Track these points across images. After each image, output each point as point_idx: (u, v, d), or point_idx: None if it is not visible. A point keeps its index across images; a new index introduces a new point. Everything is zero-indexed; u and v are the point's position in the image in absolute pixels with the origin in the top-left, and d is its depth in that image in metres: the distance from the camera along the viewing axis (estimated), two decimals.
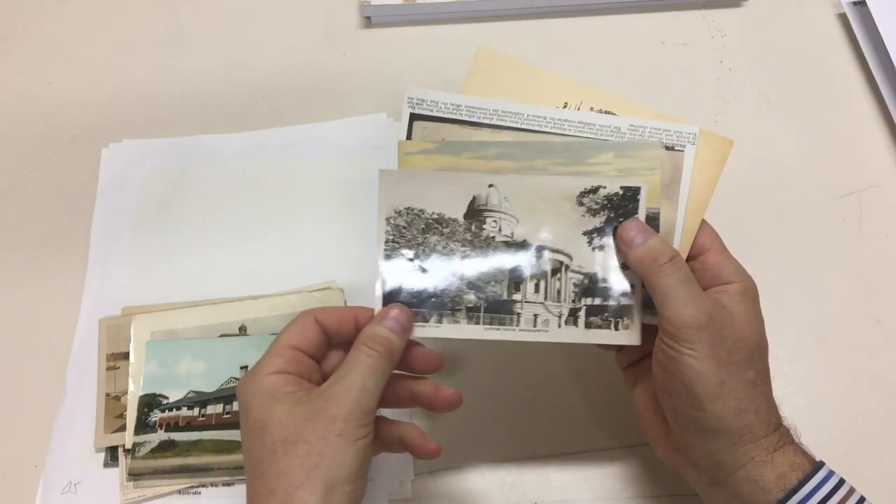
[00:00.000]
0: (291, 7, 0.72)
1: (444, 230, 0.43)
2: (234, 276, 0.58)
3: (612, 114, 0.45)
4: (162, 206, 0.61)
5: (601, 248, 0.43)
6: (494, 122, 0.45)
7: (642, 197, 0.43)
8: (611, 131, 0.44)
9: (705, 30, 0.70)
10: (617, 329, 0.43)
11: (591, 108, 0.46)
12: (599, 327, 0.43)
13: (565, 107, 0.46)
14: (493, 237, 0.43)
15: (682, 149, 0.44)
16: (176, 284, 0.58)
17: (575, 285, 0.43)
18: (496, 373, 0.54)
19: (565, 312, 0.43)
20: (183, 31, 0.71)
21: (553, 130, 0.45)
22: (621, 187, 0.43)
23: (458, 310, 0.43)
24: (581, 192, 0.43)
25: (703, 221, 0.45)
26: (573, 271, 0.43)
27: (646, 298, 0.43)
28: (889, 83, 0.64)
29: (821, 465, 0.40)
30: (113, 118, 0.66)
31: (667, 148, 0.44)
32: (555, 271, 0.43)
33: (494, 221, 0.43)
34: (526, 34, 0.70)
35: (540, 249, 0.43)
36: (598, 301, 0.43)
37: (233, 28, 0.71)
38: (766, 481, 0.39)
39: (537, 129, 0.45)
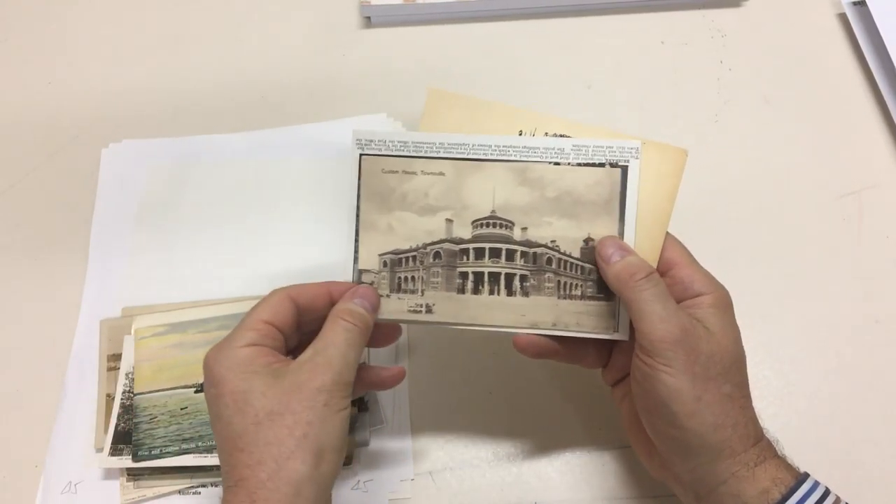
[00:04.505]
0: (291, 7, 0.72)
1: None
2: (235, 276, 0.58)
3: (566, 136, 0.46)
4: (162, 206, 0.61)
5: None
6: (441, 154, 0.46)
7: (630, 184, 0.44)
8: (554, 153, 0.45)
9: (705, 30, 0.70)
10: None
11: (546, 134, 0.46)
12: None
13: (520, 135, 0.46)
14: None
15: (627, 164, 0.44)
16: (176, 284, 0.58)
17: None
18: (496, 372, 0.54)
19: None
20: (183, 31, 0.71)
21: (499, 157, 0.45)
22: None
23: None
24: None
25: (669, 236, 0.44)
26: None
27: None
28: (889, 83, 0.64)
29: (805, 477, 0.40)
30: (113, 118, 0.66)
31: (611, 165, 0.45)
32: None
33: None
34: (526, 34, 0.70)
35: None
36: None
37: (233, 28, 0.71)
38: (748, 497, 0.39)
39: (482, 157, 0.45)
